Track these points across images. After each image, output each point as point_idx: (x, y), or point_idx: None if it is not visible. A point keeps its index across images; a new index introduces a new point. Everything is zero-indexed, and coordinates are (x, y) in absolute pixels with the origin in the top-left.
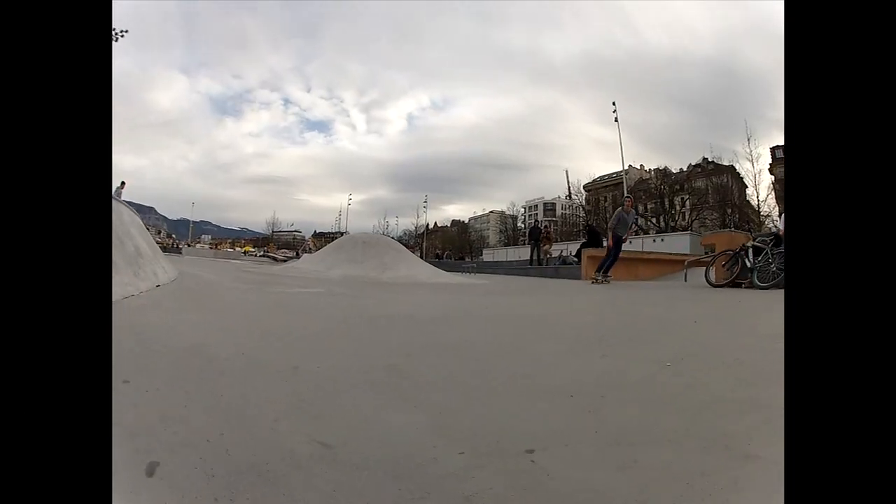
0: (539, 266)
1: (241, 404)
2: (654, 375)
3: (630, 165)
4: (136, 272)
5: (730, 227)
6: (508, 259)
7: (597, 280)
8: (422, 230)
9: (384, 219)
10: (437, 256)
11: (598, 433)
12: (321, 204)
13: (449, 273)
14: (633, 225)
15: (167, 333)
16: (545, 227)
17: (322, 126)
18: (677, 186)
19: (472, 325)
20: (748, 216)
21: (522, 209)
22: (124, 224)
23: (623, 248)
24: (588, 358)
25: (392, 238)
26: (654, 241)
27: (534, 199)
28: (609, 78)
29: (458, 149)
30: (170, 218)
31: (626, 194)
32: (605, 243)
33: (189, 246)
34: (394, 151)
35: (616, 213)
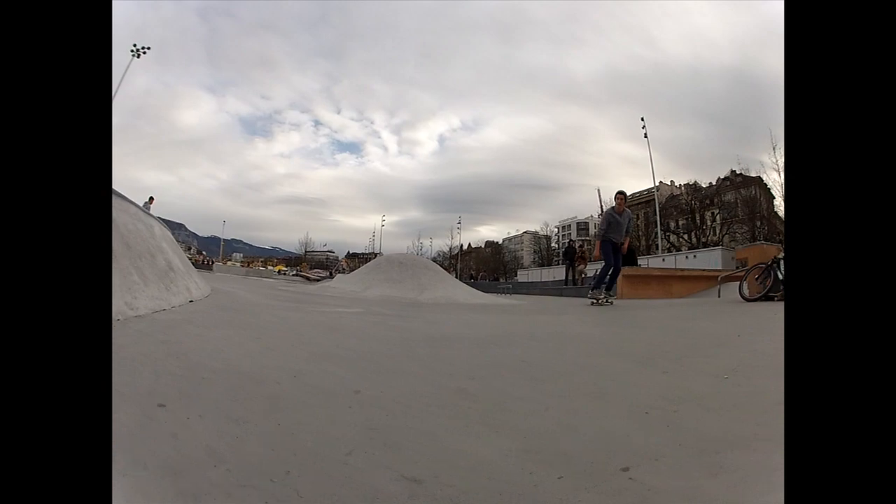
0: (574, 286)
1: (304, 435)
2: (716, 387)
3: (661, 182)
4: (168, 286)
5: (760, 240)
6: (543, 280)
7: (597, 301)
8: (456, 251)
9: (418, 240)
10: (472, 277)
11: (682, 445)
12: (354, 225)
13: (486, 294)
14: (629, 229)
15: (207, 352)
16: (580, 246)
17: (353, 147)
18: (707, 201)
19: (526, 346)
20: (777, 227)
21: (556, 229)
22: (155, 238)
23: (658, 266)
24: (650, 375)
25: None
26: (687, 257)
27: (567, 219)
28: (633, 94)
29: (490, 170)
30: (200, 235)
31: (617, 191)
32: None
33: (218, 262)
34: (426, 173)
35: (604, 214)
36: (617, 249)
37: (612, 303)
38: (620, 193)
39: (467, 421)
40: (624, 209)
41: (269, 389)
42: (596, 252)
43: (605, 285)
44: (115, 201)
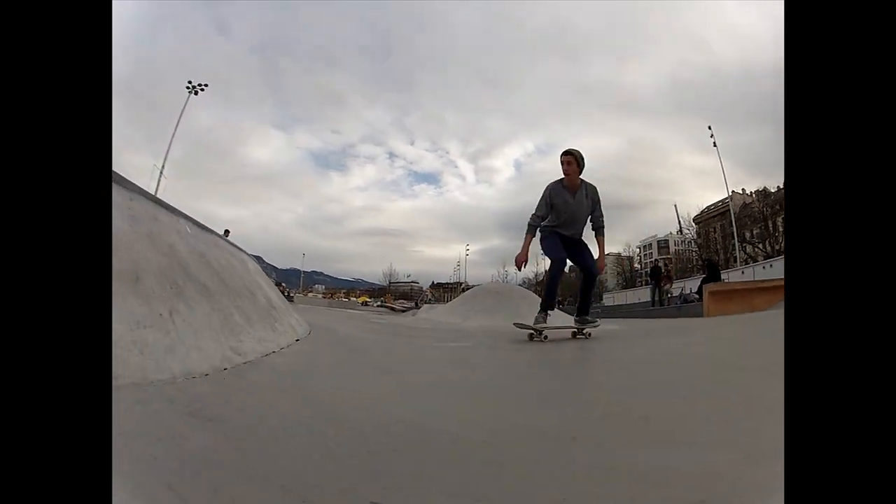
0: (661, 307)
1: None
2: None
3: (733, 191)
4: (273, 326)
5: None
6: (629, 302)
7: (538, 333)
8: (541, 278)
9: (503, 268)
10: (558, 303)
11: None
12: (438, 255)
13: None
14: (600, 219)
15: (367, 407)
16: (665, 266)
17: (431, 178)
18: (777, 206)
19: (658, 369)
20: None
21: (637, 249)
22: (251, 274)
23: (738, 279)
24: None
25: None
26: (764, 268)
27: (647, 238)
28: (695, 102)
29: None
30: (279, 267)
31: (564, 151)
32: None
33: (298, 294)
34: (505, 200)
35: (545, 190)
36: (576, 246)
37: (587, 334)
38: (569, 154)
39: (685, 441)
40: (581, 184)
41: (486, 452)
42: (521, 252)
43: (559, 304)
44: (203, 235)
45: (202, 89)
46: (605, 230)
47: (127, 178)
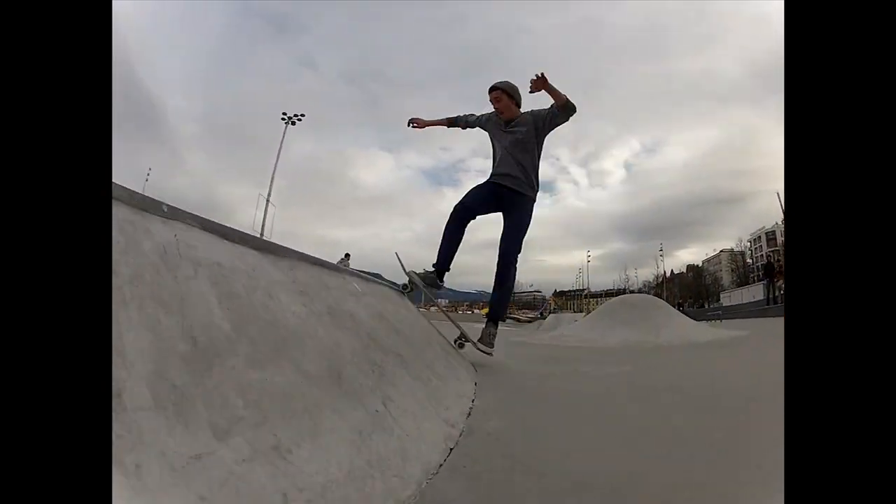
0: (776, 304)
1: None
2: None
3: None
4: (456, 374)
5: None
6: (744, 301)
7: (403, 289)
8: (660, 279)
9: (624, 272)
10: (679, 306)
11: None
12: (559, 263)
13: (705, 324)
14: (547, 120)
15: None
16: (777, 261)
17: (545, 186)
18: None
19: None
20: None
21: (748, 243)
22: (419, 318)
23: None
24: None
25: (632, 292)
26: None
27: (756, 231)
28: (775, 80)
29: (679, 192)
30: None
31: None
32: None
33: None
34: (620, 203)
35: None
36: (507, 207)
37: (490, 351)
38: (494, 89)
39: None
40: (520, 115)
41: None
42: (426, 119)
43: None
44: (369, 286)
45: (299, 119)
46: (718, 226)
47: (229, 207)
